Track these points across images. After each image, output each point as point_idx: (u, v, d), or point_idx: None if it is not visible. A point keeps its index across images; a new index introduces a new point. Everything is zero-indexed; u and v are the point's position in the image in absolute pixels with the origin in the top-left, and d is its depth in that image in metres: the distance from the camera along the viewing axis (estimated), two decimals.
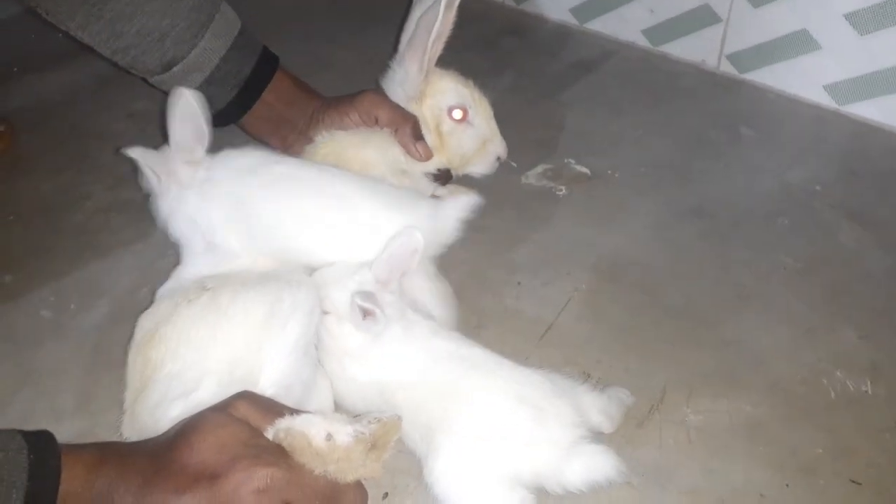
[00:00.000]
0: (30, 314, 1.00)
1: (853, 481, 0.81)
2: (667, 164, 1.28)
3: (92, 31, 0.95)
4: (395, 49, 1.07)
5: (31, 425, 0.66)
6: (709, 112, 1.40)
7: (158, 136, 1.30)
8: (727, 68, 1.49)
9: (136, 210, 1.16)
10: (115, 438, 0.79)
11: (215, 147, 0.89)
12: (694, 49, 1.51)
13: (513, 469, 0.74)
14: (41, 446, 0.63)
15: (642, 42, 1.57)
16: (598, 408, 0.81)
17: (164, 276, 0.90)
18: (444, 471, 0.74)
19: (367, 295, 0.78)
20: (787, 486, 0.80)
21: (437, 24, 0.96)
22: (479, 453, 0.74)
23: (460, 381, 0.77)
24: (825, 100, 1.39)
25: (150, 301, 0.86)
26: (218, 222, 0.87)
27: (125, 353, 0.81)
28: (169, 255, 1.07)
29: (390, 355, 0.80)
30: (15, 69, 1.50)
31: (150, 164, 0.87)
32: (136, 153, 0.86)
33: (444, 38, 1.01)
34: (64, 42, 0.98)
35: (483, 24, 1.66)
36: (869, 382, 0.91)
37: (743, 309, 1.01)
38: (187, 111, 0.85)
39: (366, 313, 0.79)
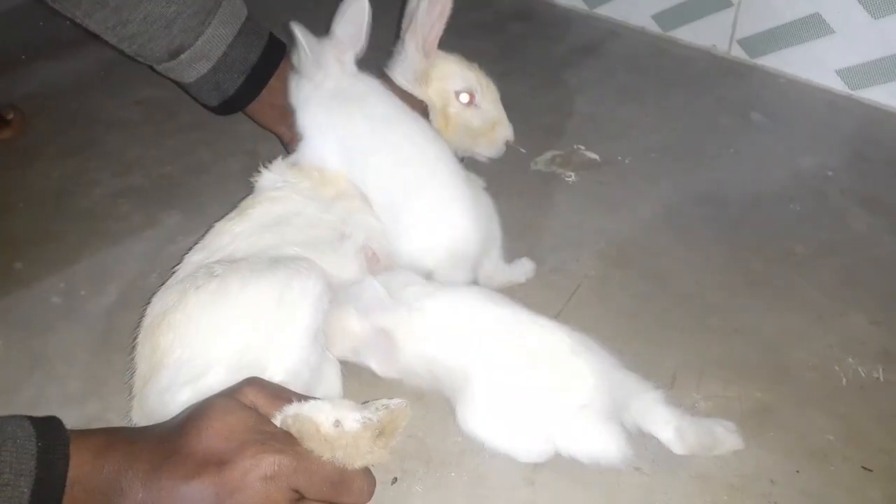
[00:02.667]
0: (40, 300, 1.00)
1: (864, 468, 0.80)
2: (677, 149, 1.27)
3: (98, 19, 0.94)
4: (398, 35, 1.06)
5: (42, 410, 0.66)
6: (719, 97, 1.39)
7: (167, 123, 1.31)
8: (738, 53, 1.47)
9: (144, 196, 1.17)
10: (124, 423, 0.80)
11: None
12: (704, 34, 1.49)
13: (535, 419, 0.77)
14: (50, 432, 0.63)
15: (652, 27, 1.56)
16: (667, 421, 0.79)
17: (175, 260, 0.90)
18: (472, 417, 0.78)
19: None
20: (798, 472, 0.80)
21: (431, 2, 0.97)
22: (506, 403, 0.77)
23: (491, 337, 0.80)
24: (837, 84, 1.38)
25: (159, 287, 0.86)
26: (332, 133, 0.95)
27: (134, 338, 0.82)
28: (178, 240, 1.07)
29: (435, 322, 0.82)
30: (23, 57, 1.50)
31: (308, 44, 0.94)
32: (298, 29, 0.93)
33: (444, 18, 1.00)
34: (72, 29, 0.98)
35: (491, 10, 1.65)
36: (881, 369, 0.90)
37: (753, 295, 1.00)
38: (357, 14, 0.94)
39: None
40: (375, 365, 0.81)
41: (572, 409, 0.77)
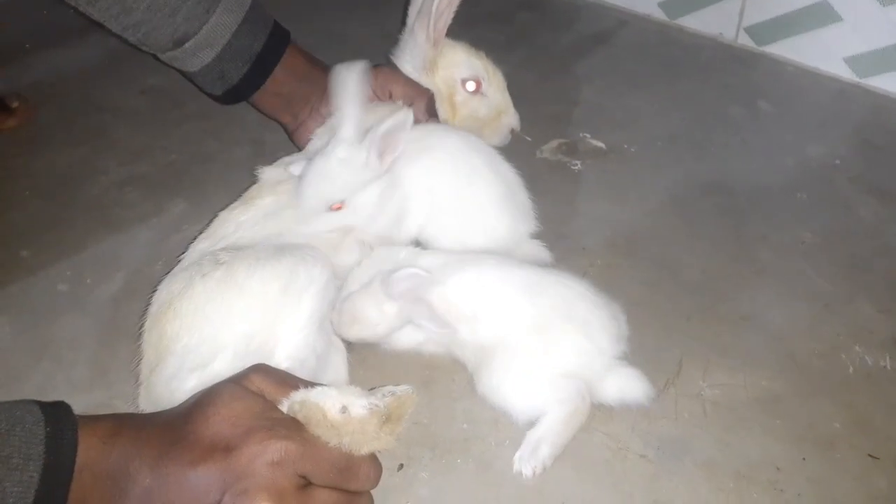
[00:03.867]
0: (47, 288, 1.00)
1: (871, 455, 0.80)
2: (683, 138, 1.26)
3: (101, 7, 0.94)
4: (405, 22, 1.06)
5: (49, 397, 0.66)
6: (726, 86, 1.38)
7: (172, 112, 1.31)
8: (745, 41, 1.46)
9: (150, 184, 1.17)
10: (131, 410, 0.80)
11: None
12: (711, 21, 1.49)
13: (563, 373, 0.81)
14: (58, 418, 0.63)
15: (658, 15, 1.55)
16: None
17: (181, 249, 0.90)
18: (499, 382, 0.81)
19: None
20: (804, 459, 0.80)
21: None
22: (533, 364, 0.81)
23: (513, 302, 0.84)
24: (845, 72, 1.37)
25: (165, 274, 0.86)
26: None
27: (140, 326, 0.82)
28: (184, 228, 1.07)
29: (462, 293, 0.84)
30: (28, 45, 1.50)
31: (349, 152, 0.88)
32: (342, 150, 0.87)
33: (453, 7, 1.00)
34: (77, 18, 0.97)
35: None
36: (888, 357, 0.90)
37: (760, 284, 1.00)
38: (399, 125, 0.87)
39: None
40: (429, 331, 0.84)
41: (605, 358, 0.82)
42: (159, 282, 0.84)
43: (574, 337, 0.82)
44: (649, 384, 0.82)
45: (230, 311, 0.76)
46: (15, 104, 1.28)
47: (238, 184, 1.01)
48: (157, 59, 1.02)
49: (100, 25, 0.98)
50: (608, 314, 0.85)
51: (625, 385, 0.82)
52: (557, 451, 0.78)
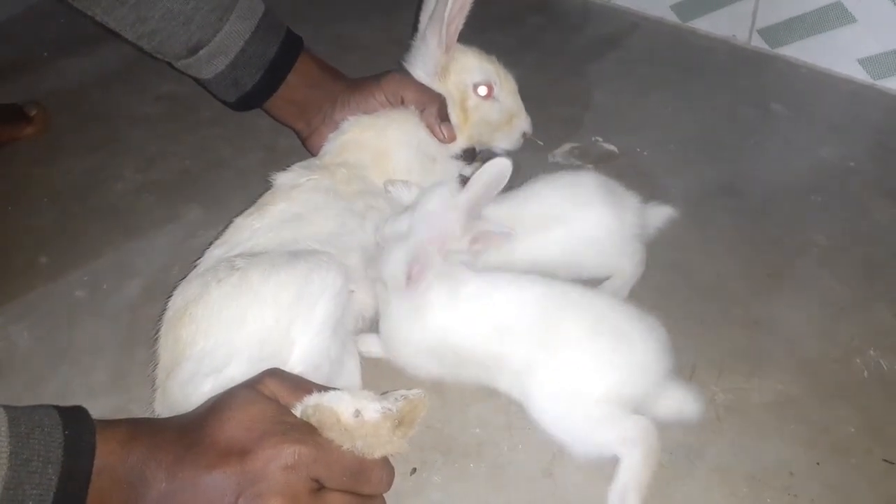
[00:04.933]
0: (65, 294, 1.01)
1: (886, 461, 0.80)
2: (696, 141, 1.26)
3: (117, 16, 0.95)
4: (416, 28, 1.06)
5: (68, 401, 0.67)
6: (739, 88, 1.38)
7: (187, 119, 1.33)
8: (758, 43, 1.46)
9: (166, 190, 1.18)
10: (148, 414, 0.81)
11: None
12: (724, 24, 1.48)
13: (611, 394, 0.77)
14: (76, 422, 0.64)
15: (671, 17, 1.55)
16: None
17: (196, 254, 0.91)
18: (545, 407, 0.78)
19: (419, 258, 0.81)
20: (818, 464, 0.80)
21: None
22: (575, 384, 0.78)
23: (545, 321, 0.81)
24: (860, 74, 1.36)
25: (180, 280, 0.87)
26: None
27: (157, 330, 0.83)
28: (199, 234, 1.08)
29: (471, 312, 0.82)
30: (45, 54, 1.52)
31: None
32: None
33: (465, 12, 1.00)
34: (93, 26, 0.99)
35: (509, 2, 1.65)
36: None
37: (774, 287, 1.00)
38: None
39: (410, 279, 0.81)
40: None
41: (654, 371, 0.80)
42: (175, 287, 0.85)
43: (609, 355, 0.79)
44: (700, 401, 0.81)
45: (245, 316, 0.77)
46: (33, 112, 1.29)
47: (252, 189, 1.02)
48: (171, 66, 1.03)
49: (116, 34, 0.99)
50: (645, 326, 0.81)
51: (676, 405, 0.80)
52: (644, 493, 0.75)
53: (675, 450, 0.81)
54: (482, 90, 1.04)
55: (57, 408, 0.65)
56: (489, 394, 0.85)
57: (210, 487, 0.61)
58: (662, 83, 1.40)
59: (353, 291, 0.85)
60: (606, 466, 0.79)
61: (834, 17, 1.33)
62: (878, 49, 1.32)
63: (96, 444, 0.63)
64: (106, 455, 0.63)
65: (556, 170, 1.19)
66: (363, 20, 1.58)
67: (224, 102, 1.07)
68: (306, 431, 0.65)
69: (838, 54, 1.36)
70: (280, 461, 0.62)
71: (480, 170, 0.83)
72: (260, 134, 1.28)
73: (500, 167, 0.82)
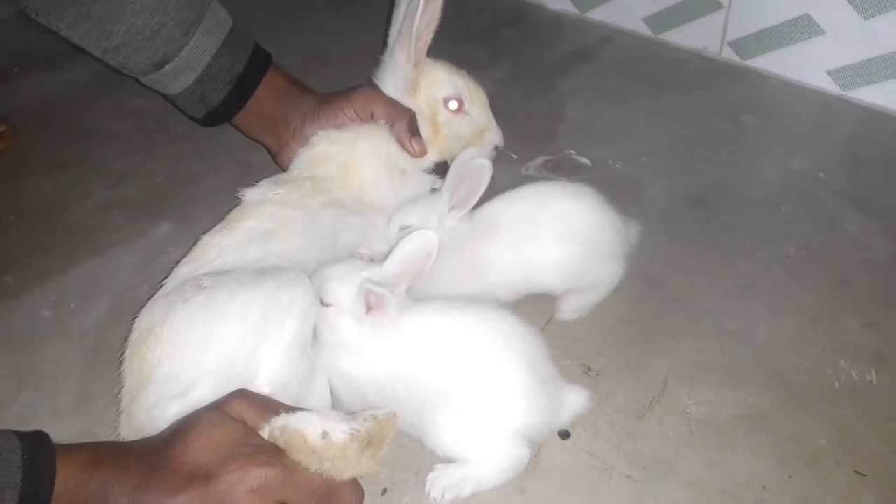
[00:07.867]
0: (30, 313, 1.00)
1: (857, 472, 0.80)
2: (668, 153, 1.27)
3: (81, 32, 0.94)
4: (385, 43, 1.06)
5: (31, 425, 0.66)
6: (710, 100, 1.39)
7: (158, 134, 1.31)
8: (729, 55, 1.47)
9: (135, 208, 1.17)
10: (113, 437, 0.80)
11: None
12: (695, 36, 1.49)
13: (515, 423, 0.77)
14: (36, 446, 0.63)
15: (643, 30, 1.56)
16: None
17: (165, 272, 0.90)
18: (451, 438, 0.77)
19: (379, 285, 0.77)
20: (790, 477, 0.80)
21: (420, 11, 0.96)
22: (484, 413, 0.77)
23: (463, 354, 0.79)
24: (829, 85, 1.37)
25: (149, 298, 0.86)
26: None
27: (122, 352, 0.81)
28: (169, 252, 1.07)
29: (390, 347, 0.80)
30: (16, 69, 1.50)
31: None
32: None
33: (433, 27, 1.00)
34: (63, 42, 0.97)
35: (482, 15, 1.65)
36: (874, 372, 0.90)
37: (745, 299, 1.00)
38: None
39: (370, 307, 0.78)
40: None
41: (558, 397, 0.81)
42: (142, 306, 0.84)
43: (528, 385, 0.78)
44: (586, 390, 0.83)
45: (211, 336, 0.76)
46: (1, 128, 1.28)
47: (224, 205, 1.00)
48: (138, 82, 1.02)
49: (81, 50, 0.98)
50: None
51: (574, 401, 0.82)
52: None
53: (647, 464, 0.81)
54: (452, 104, 1.04)
55: (17, 433, 0.64)
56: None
57: None
58: (635, 96, 1.41)
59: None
60: (580, 482, 0.79)
61: (803, 30, 1.35)
62: (846, 60, 1.33)
63: (56, 469, 0.62)
64: (66, 480, 0.62)
65: (530, 182, 1.20)
66: (337, 35, 1.58)
67: (192, 118, 1.06)
68: (273, 454, 0.65)
69: (808, 66, 1.38)
70: (246, 484, 0.61)
71: (403, 241, 0.80)
72: (232, 149, 1.27)
73: (423, 241, 0.80)
